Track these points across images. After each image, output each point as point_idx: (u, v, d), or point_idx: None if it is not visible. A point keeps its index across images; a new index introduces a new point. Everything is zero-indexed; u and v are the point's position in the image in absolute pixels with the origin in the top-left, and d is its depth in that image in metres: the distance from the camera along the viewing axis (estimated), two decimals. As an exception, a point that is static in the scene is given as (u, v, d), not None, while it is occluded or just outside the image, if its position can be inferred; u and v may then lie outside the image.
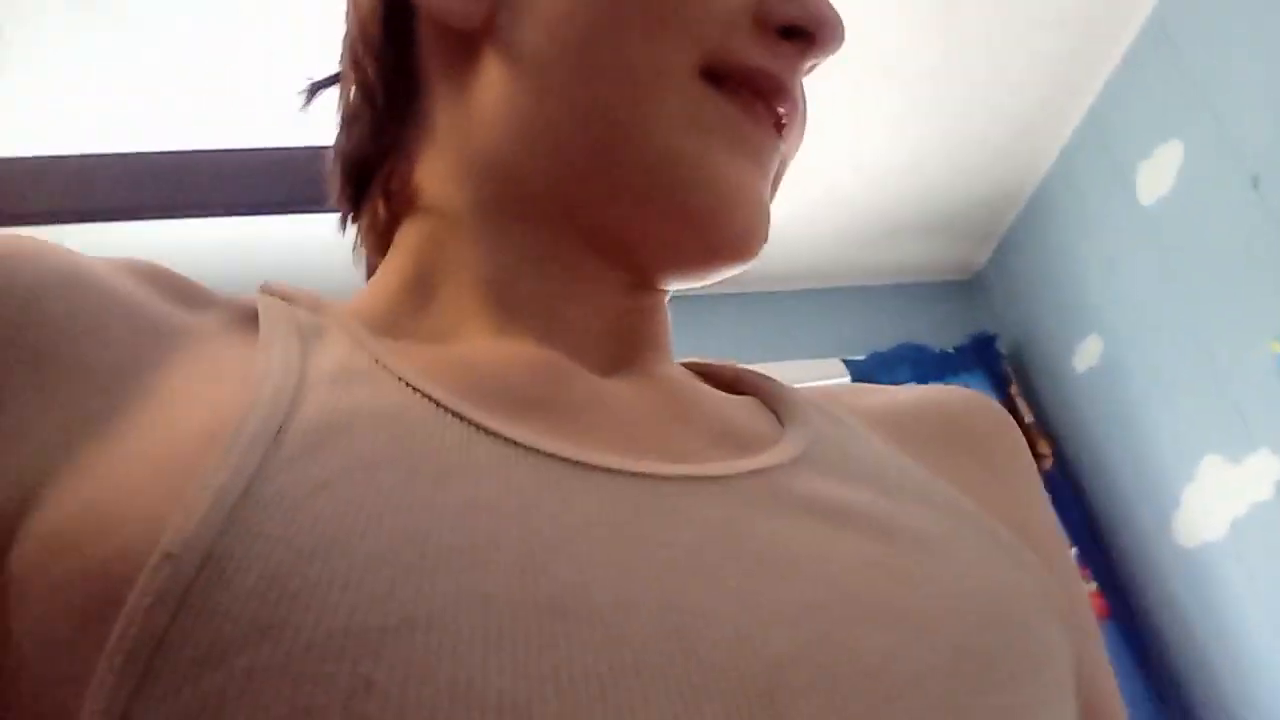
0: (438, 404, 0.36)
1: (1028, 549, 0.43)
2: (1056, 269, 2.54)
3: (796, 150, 0.50)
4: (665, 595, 0.31)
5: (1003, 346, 2.66)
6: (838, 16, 0.47)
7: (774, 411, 0.47)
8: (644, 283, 0.48)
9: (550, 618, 0.29)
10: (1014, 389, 2.58)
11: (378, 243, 0.51)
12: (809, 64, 0.48)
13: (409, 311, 0.45)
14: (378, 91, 0.50)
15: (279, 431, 0.32)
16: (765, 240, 0.46)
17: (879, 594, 0.35)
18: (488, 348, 0.43)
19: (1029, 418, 2.53)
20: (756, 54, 0.45)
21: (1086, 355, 2.45)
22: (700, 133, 0.44)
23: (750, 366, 0.53)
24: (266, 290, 0.44)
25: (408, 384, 0.36)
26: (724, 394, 0.49)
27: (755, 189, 0.46)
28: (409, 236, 0.48)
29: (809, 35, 0.46)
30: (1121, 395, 2.33)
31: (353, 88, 0.51)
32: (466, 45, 0.48)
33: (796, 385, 0.51)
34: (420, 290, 0.46)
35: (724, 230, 0.45)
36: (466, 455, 0.34)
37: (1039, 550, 0.44)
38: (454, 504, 0.31)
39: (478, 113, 0.47)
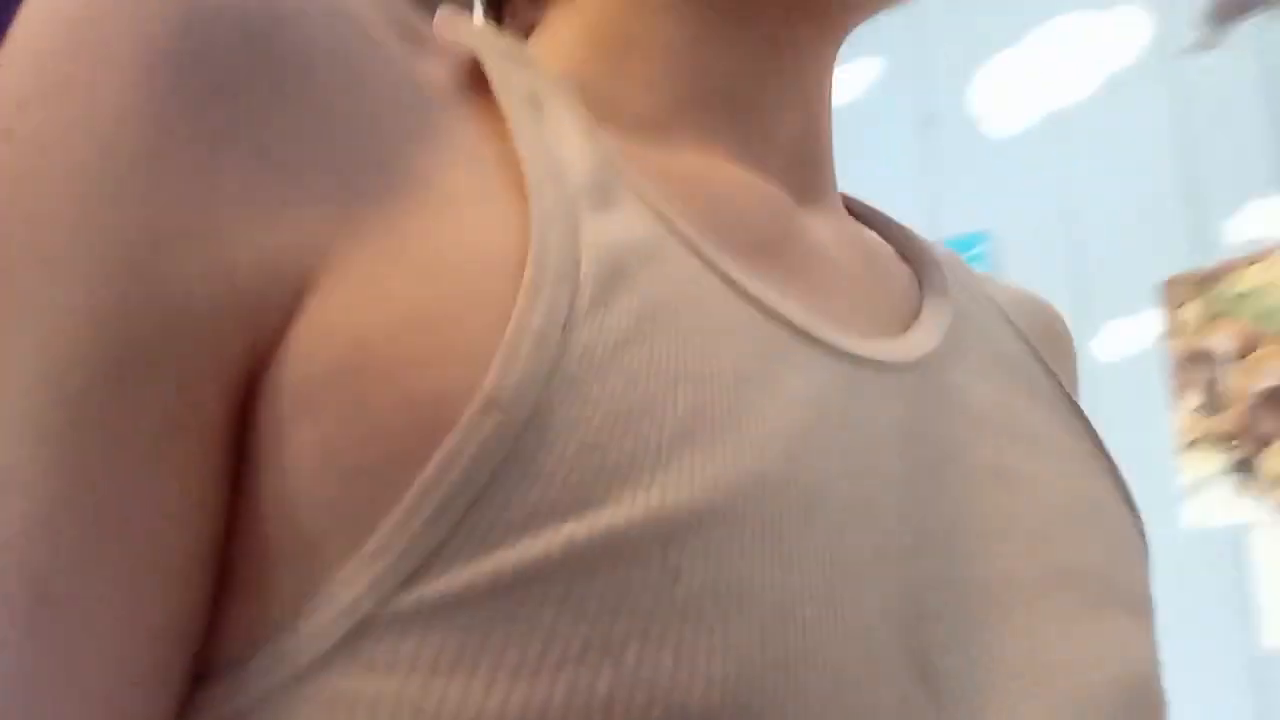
0: (690, 245, 0.34)
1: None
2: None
3: None
4: (877, 493, 0.33)
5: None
6: None
7: (910, 265, 0.46)
8: (831, 29, 0.42)
9: (807, 510, 0.30)
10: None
11: None
12: None
13: (607, 82, 0.40)
14: None
15: (572, 268, 0.30)
16: None
17: (1006, 504, 0.37)
18: (712, 169, 0.39)
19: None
20: None
21: None
22: None
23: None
24: (452, 26, 0.39)
25: (651, 207, 0.34)
26: (877, 241, 0.47)
27: None
28: (573, 6, 0.42)
29: None
30: None
31: None
32: None
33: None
34: (611, 56, 0.41)
35: None
36: (725, 314, 0.33)
37: None
38: (725, 374, 0.31)
39: None
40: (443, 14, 0.40)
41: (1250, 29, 1.78)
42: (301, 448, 0.28)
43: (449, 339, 0.28)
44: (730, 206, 0.38)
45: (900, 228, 0.49)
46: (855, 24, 0.43)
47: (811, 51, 0.42)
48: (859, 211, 0.49)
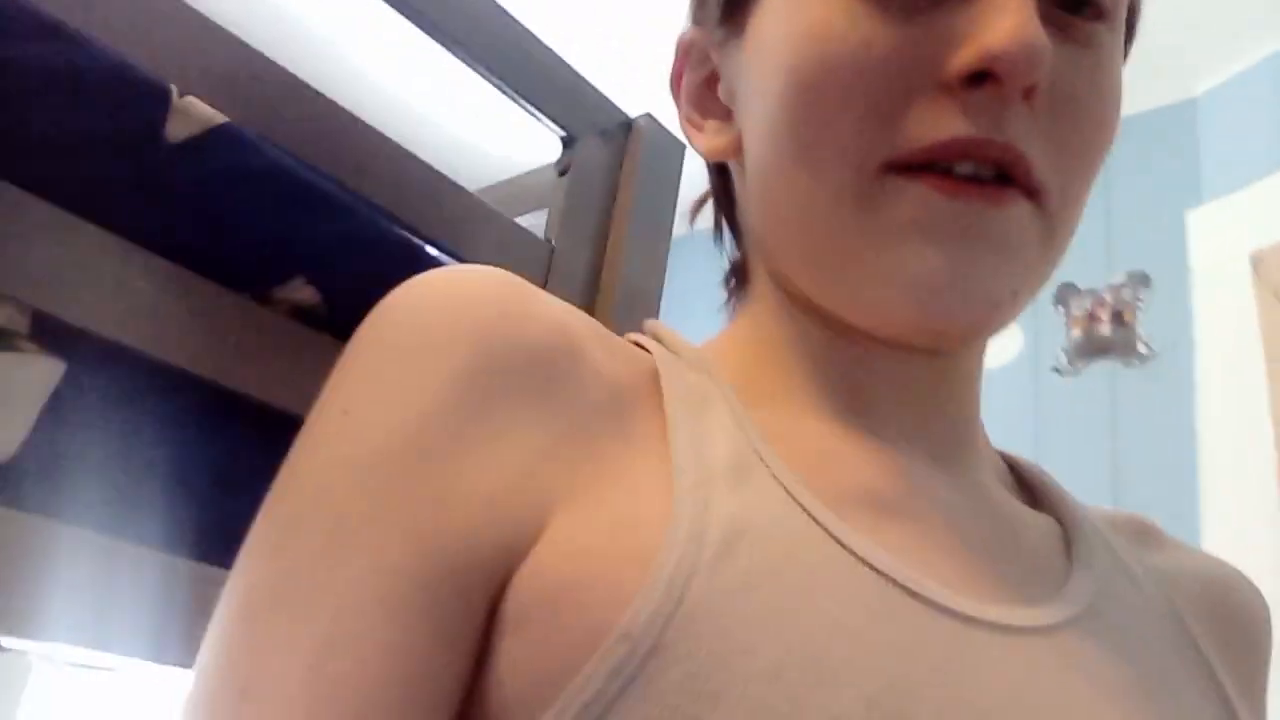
0: (809, 515, 0.41)
1: None
2: None
3: (1077, 158, 0.47)
4: None
5: None
6: (1021, 37, 0.42)
7: (1066, 534, 0.51)
8: (915, 349, 0.50)
9: None
10: None
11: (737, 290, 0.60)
12: (1017, 97, 0.43)
13: (759, 372, 0.52)
14: (718, 214, 0.62)
15: (701, 533, 0.38)
16: (996, 312, 0.46)
17: None
18: (841, 440, 0.48)
19: None
20: (935, 126, 0.44)
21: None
22: (890, 235, 0.45)
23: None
24: (653, 334, 0.53)
25: (784, 488, 0.42)
26: (1028, 512, 0.52)
27: (961, 269, 0.44)
28: (747, 307, 0.57)
29: (994, 76, 0.43)
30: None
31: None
32: (739, 166, 0.55)
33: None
34: (762, 356, 0.53)
35: (936, 318, 0.46)
36: (832, 572, 0.39)
37: None
38: (824, 623, 0.37)
39: (753, 219, 0.55)
40: (648, 324, 0.55)
41: (1104, 367, 2.00)
42: (510, 650, 0.38)
43: (610, 584, 0.37)
44: (853, 474, 0.46)
45: (1062, 497, 0.54)
46: (953, 348, 0.51)
47: (930, 359, 0.50)
48: (1025, 477, 0.56)
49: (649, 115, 0.92)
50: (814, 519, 0.41)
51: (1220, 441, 1.81)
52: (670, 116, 0.90)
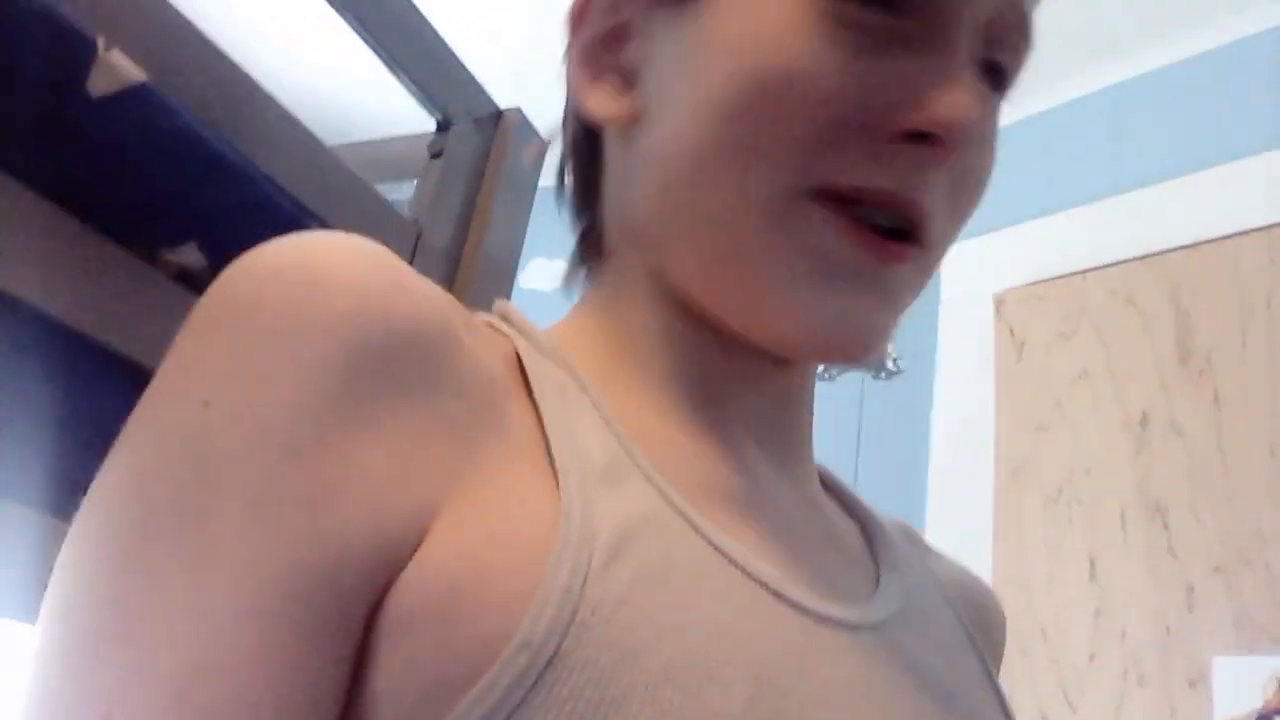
0: (679, 511, 0.42)
1: None
2: None
3: (961, 214, 0.50)
4: None
5: None
6: (970, 114, 0.44)
7: (867, 538, 0.56)
8: (792, 363, 0.53)
9: None
10: None
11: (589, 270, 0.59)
12: (943, 169, 0.46)
13: (614, 361, 0.51)
14: (576, 173, 0.58)
15: (591, 536, 0.38)
16: (871, 350, 0.48)
17: None
18: (696, 440, 0.49)
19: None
20: (866, 171, 0.45)
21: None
22: (795, 265, 0.46)
23: None
24: (502, 315, 0.51)
25: (658, 489, 0.43)
26: (841, 516, 0.56)
27: (851, 317, 0.47)
28: (602, 288, 0.55)
29: (936, 139, 0.45)
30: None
31: (569, 160, 0.59)
32: (625, 136, 0.52)
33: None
34: (618, 344, 0.52)
35: (819, 352, 0.50)
36: (708, 574, 0.41)
37: None
38: (706, 624, 0.38)
39: (630, 199, 0.53)
40: (498, 306, 0.52)
41: (854, 377, 2.17)
42: (394, 659, 0.36)
43: (503, 590, 0.36)
44: (710, 472, 0.47)
45: (861, 503, 0.59)
46: (812, 364, 0.54)
47: (782, 366, 0.52)
48: (830, 483, 0.59)
49: (518, 109, 0.95)
50: (688, 521, 0.42)
51: (949, 457, 2.01)
52: (535, 114, 0.94)
